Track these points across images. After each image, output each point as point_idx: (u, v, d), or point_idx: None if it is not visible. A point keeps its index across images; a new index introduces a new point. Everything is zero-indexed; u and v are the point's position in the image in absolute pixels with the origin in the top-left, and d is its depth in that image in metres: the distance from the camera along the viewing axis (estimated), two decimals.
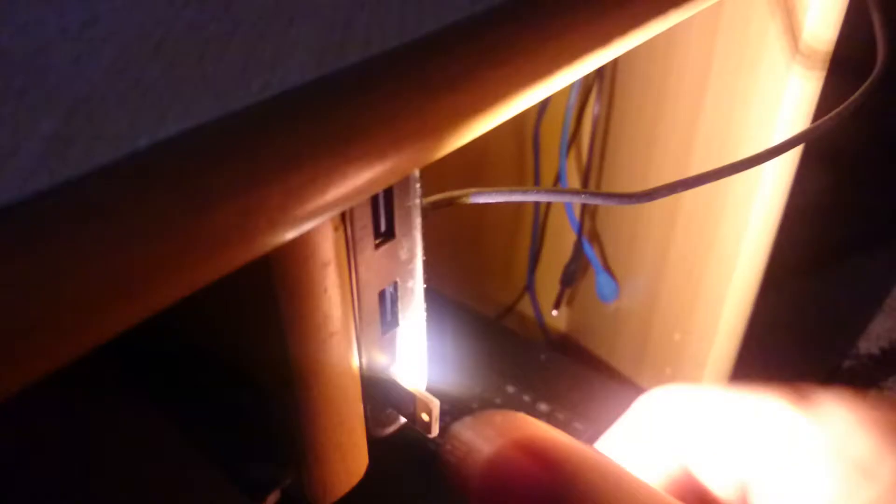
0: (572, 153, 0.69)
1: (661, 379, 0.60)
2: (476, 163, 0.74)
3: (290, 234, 0.14)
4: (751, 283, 0.51)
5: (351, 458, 0.21)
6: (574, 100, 0.62)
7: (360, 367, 0.21)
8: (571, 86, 0.62)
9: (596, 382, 0.61)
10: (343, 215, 0.18)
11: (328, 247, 0.17)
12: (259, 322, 0.18)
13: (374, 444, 0.24)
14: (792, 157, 0.47)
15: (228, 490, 0.21)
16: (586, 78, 0.65)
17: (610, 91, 0.63)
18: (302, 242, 0.16)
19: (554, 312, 0.74)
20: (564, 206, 0.67)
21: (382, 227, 0.19)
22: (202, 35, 0.17)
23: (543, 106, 0.66)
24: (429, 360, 0.24)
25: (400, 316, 0.21)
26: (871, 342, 0.99)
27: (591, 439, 0.55)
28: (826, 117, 0.37)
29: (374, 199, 0.19)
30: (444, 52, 0.17)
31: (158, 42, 0.17)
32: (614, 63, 0.62)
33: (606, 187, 0.66)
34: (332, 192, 0.14)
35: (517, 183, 0.76)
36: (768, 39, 0.44)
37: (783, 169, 0.47)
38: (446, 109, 0.16)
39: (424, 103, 0.16)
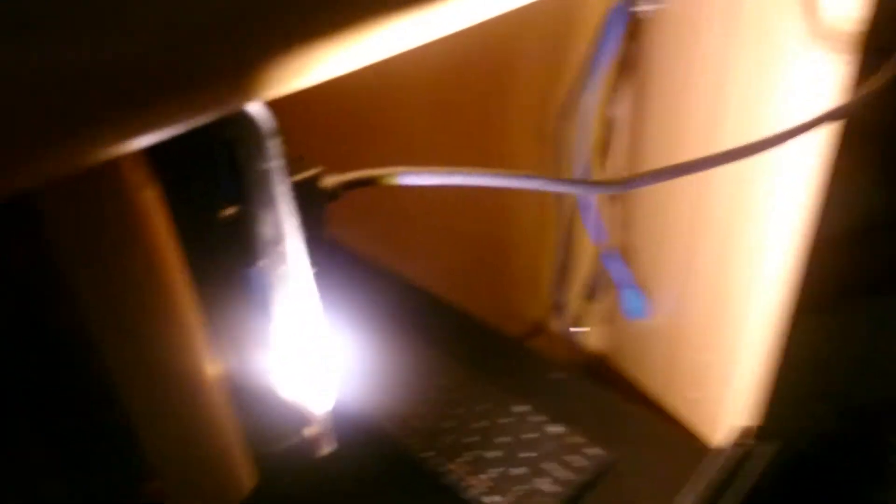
0: (598, 156, 0.65)
1: (686, 402, 0.55)
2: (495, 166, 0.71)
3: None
4: (779, 300, 0.46)
5: (223, 475, 0.18)
6: (591, 101, 0.58)
7: (226, 372, 0.18)
8: (585, 86, 0.58)
9: (619, 405, 0.56)
10: (151, 171, 0.15)
11: (128, 210, 0.14)
12: (54, 308, 0.15)
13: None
14: (821, 165, 0.42)
15: None
16: (609, 79, 0.61)
17: (635, 91, 0.59)
18: (88, 201, 0.13)
19: (575, 330, 0.70)
20: (581, 216, 0.63)
21: (222, 193, 0.16)
22: None
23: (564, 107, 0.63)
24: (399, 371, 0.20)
25: (274, 309, 0.18)
26: None
27: (606, 464, 0.50)
28: (848, 99, 0.33)
29: (207, 155, 0.15)
30: None
31: None
32: (638, 62, 0.58)
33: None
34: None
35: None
36: (788, 24, 0.40)
37: (811, 180, 0.42)
38: None
39: None
